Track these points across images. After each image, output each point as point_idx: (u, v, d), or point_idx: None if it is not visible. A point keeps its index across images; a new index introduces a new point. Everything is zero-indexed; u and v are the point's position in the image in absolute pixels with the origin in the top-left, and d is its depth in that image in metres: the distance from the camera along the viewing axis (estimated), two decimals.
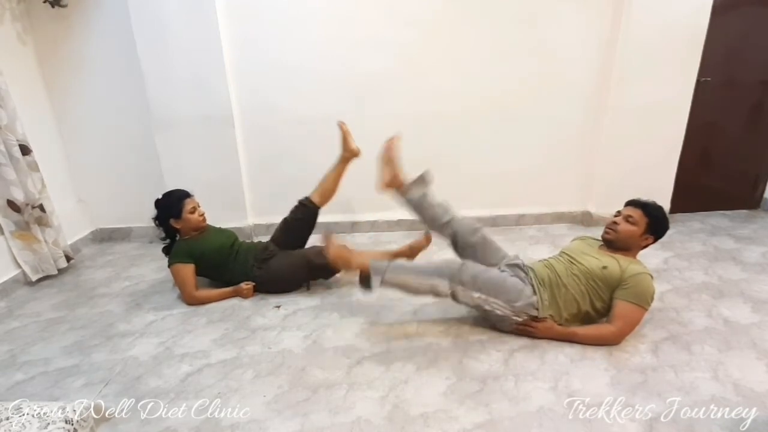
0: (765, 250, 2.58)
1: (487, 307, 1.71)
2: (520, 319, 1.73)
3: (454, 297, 1.73)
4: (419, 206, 1.95)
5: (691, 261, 2.46)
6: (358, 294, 2.16)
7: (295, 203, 2.31)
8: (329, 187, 2.31)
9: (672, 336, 1.78)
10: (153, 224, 2.18)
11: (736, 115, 3.06)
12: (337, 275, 2.24)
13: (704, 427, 1.33)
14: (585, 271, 1.74)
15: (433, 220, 1.94)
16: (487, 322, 1.84)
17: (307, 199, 2.30)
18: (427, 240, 2.25)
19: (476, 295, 1.70)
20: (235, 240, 2.27)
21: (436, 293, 1.74)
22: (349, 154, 2.30)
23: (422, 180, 1.96)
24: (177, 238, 2.20)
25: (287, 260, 2.18)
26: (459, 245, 1.92)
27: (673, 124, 2.83)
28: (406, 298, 2.07)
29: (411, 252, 2.26)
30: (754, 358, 1.64)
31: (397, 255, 2.25)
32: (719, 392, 1.47)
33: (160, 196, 2.15)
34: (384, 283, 1.73)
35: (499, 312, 1.71)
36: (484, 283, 1.71)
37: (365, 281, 1.76)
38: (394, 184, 1.96)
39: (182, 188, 2.17)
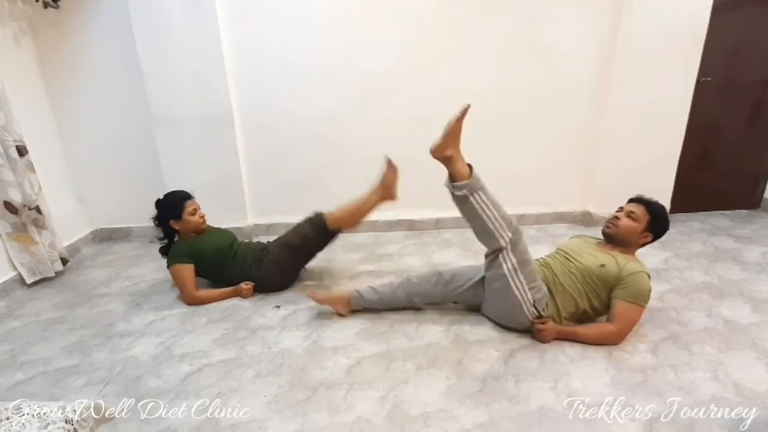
0: (765, 250, 2.59)
1: (515, 282, 1.69)
2: (529, 314, 1.71)
3: (498, 250, 1.68)
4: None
5: (691, 261, 2.46)
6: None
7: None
8: (349, 220, 2.15)
9: (672, 336, 1.78)
10: (152, 224, 2.17)
11: (736, 115, 3.06)
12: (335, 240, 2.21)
13: (704, 427, 1.33)
14: (582, 269, 1.74)
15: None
16: (488, 318, 1.84)
17: (321, 220, 2.14)
18: (392, 168, 2.12)
19: (515, 260, 1.68)
20: (234, 240, 2.26)
21: (499, 234, 1.66)
22: (386, 196, 2.17)
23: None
24: (175, 239, 2.19)
25: (278, 253, 2.18)
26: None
27: (673, 124, 2.84)
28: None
29: (384, 190, 2.14)
30: (754, 358, 1.64)
31: (373, 201, 2.14)
32: (719, 392, 1.47)
33: (161, 196, 2.15)
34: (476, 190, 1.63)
35: (518, 293, 1.69)
36: (525, 257, 1.70)
37: None
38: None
39: (183, 189, 2.17)
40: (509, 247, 1.68)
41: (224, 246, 2.19)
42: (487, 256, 1.77)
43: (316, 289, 2.10)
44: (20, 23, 2.51)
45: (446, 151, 1.66)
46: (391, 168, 2.15)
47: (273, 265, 2.17)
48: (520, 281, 1.69)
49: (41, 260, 2.37)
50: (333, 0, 2.60)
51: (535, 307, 1.71)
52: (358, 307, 1.97)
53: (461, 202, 1.68)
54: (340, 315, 1.96)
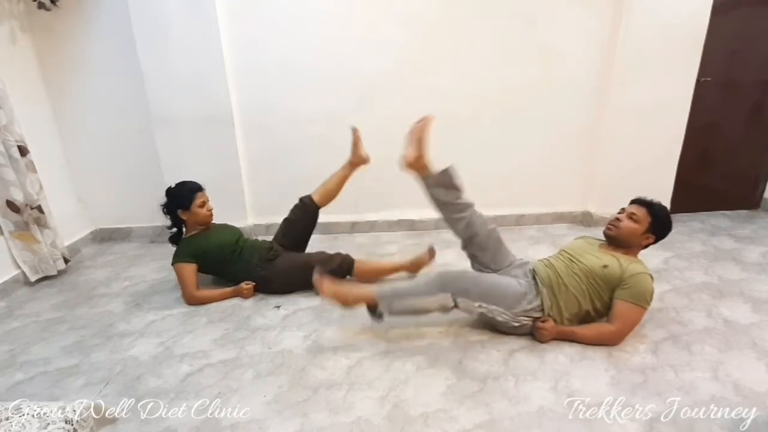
0: (765, 250, 2.58)
1: (488, 315, 1.72)
2: (518, 324, 1.73)
3: (456, 307, 1.72)
4: (436, 198, 1.85)
5: (691, 261, 2.46)
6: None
7: (296, 201, 2.32)
8: (332, 189, 2.29)
9: (672, 336, 1.78)
10: (158, 213, 2.17)
11: (736, 115, 3.06)
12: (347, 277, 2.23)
13: (704, 427, 1.33)
14: (586, 269, 1.74)
15: (449, 211, 1.86)
16: (489, 324, 1.84)
17: (308, 197, 2.29)
18: (431, 255, 2.22)
19: (476, 304, 1.70)
20: (240, 237, 2.27)
21: (443, 308, 1.72)
22: (357, 161, 2.27)
23: (446, 175, 1.81)
24: (183, 230, 2.20)
25: (291, 263, 2.18)
26: (473, 244, 1.87)
27: (673, 124, 2.83)
28: None
29: (413, 267, 2.22)
30: (754, 358, 1.64)
31: (399, 269, 2.24)
32: (719, 392, 1.47)
33: (172, 185, 2.16)
34: (392, 312, 1.75)
35: (499, 318, 1.72)
36: (485, 291, 1.71)
37: (373, 311, 1.78)
38: (416, 166, 1.81)
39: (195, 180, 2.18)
40: (459, 300, 1.70)
41: (229, 242, 2.19)
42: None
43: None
44: (20, 22, 2.51)
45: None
46: (355, 134, 2.23)
47: (286, 271, 2.15)
48: (494, 309, 1.70)
49: (44, 258, 2.38)
50: (333, 0, 2.60)
51: (528, 316, 1.72)
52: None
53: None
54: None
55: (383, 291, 1.77)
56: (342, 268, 2.18)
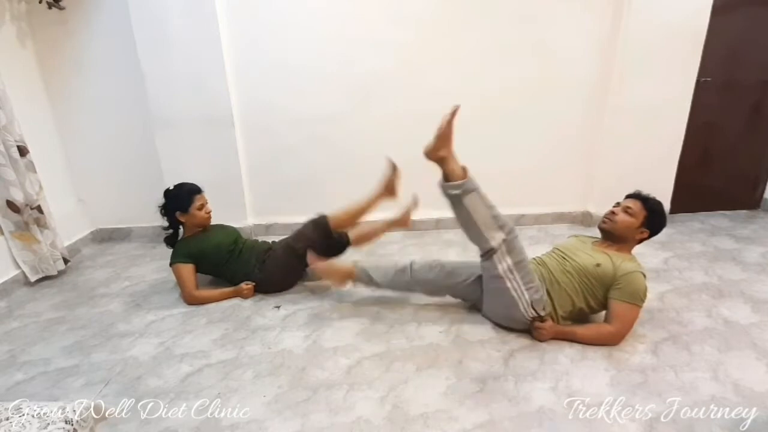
0: (765, 250, 2.58)
1: (511, 283, 1.69)
2: (526, 314, 1.71)
3: (492, 252, 1.67)
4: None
5: (691, 261, 2.46)
6: (358, 292, 2.17)
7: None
8: (352, 218, 2.28)
9: (672, 336, 1.78)
10: (158, 214, 2.16)
11: (736, 115, 3.06)
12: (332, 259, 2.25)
13: (704, 427, 1.33)
14: (578, 267, 1.74)
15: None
16: (487, 318, 1.84)
17: (323, 220, 2.21)
18: (414, 203, 2.25)
19: (510, 261, 1.68)
20: (237, 237, 2.26)
21: (491, 235, 1.67)
22: (388, 194, 2.24)
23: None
24: (180, 231, 2.19)
25: (280, 255, 2.18)
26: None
27: (673, 124, 2.84)
28: (406, 298, 2.07)
29: (402, 221, 2.28)
30: (754, 358, 1.64)
31: (389, 227, 2.29)
32: (719, 392, 1.47)
33: (171, 186, 2.15)
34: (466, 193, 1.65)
35: (514, 294, 1.69)
36: (521, 258, 1.69)
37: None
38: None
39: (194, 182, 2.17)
40: (504, 248, 1.68)
41: (226, 243, 2.18)
42: (481, 257, 1.77)
43: (318, 264, 2.03)
44: (20, 23, 2.51)
45: (439, 152, 1.67)
46: (392, 169, 2.19)
47: (275, 267, 2.16)
48: (516, 282, 1.69)
49: (44, 258, 2.38)
50: (333, 0, 2.60)
51: (533, 308, 1.71)
52: (359, 282, 2.03)
53: (454, 202, 1.70)
54: (338, 287, 2.02)
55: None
56: (317, 228, 2.18)
